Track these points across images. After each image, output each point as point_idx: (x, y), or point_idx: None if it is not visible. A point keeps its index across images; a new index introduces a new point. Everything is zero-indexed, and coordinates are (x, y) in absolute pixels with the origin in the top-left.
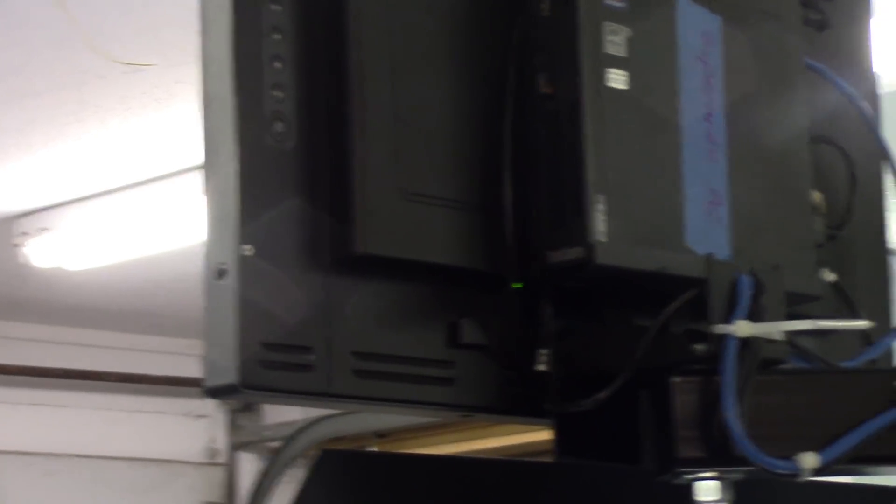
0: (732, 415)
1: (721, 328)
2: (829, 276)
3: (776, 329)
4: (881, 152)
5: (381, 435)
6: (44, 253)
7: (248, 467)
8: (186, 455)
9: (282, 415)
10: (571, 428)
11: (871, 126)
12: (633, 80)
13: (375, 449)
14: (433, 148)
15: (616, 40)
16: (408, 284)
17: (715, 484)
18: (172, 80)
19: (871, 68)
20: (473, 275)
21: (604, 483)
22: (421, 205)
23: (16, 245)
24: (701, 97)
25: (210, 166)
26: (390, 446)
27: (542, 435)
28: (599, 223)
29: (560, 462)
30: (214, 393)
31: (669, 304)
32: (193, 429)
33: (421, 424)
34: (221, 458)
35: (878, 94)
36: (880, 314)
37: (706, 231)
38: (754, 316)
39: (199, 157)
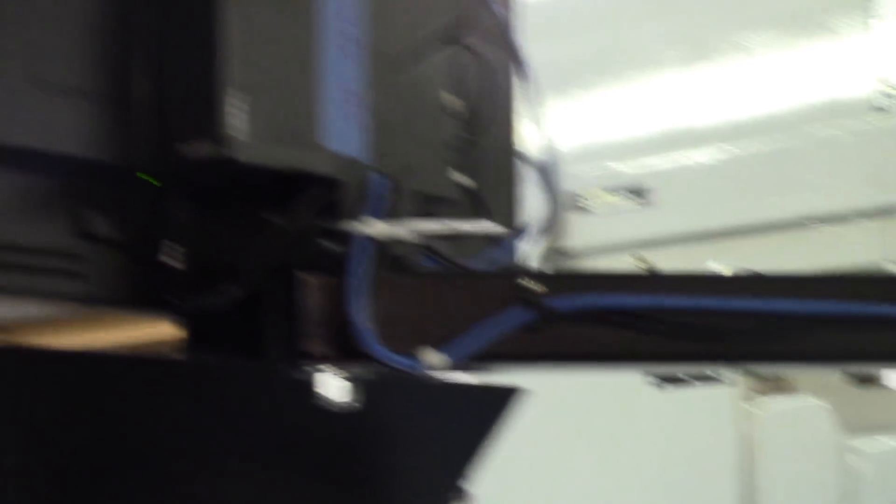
0: (357, 311)
1: (350, 226)
2: (464, 179)
3: (407, 229)
4: (512, 56)
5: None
6: None
7: None
8: None
9: None
10: (202, 324)
11: (502, 29)
12: None
13: None
14: (62, 35)
15: None
16: (34, 175)
17: (342, 382)
18: None
19: None
20: (103, 167)
21: (233, 379)
22: (48, 93)
23: None
24: None
25: None
26: (12, 339)
27: (172, 329)
28: (234, 119)
29: (190, 357)
30: None
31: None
32: None
33: (46, 317)
34: None
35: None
36: (509, 216)
37: (341, 130)
38: (385, 215)
39: None
